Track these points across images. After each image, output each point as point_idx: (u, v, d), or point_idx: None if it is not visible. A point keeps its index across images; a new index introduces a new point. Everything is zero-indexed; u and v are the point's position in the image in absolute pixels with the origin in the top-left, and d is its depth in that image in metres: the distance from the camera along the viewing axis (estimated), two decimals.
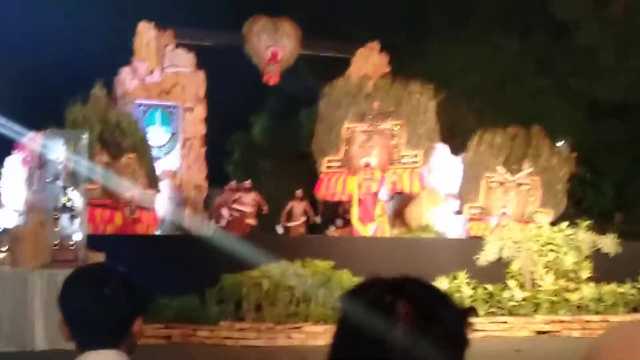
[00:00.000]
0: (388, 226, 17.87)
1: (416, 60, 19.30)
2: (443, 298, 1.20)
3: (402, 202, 18.44)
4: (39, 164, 15.09)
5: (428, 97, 18.46)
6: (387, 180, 17.81)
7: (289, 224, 20.73)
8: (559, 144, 20.08)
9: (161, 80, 21.71)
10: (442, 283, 13.72)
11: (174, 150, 21.57)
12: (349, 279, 12.63)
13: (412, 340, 1.11)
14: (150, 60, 21.78)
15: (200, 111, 22.30)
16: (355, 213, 17.87)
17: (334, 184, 18.35)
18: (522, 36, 26.24)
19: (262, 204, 20.83)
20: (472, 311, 1.22)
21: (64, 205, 12.22)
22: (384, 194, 17.87)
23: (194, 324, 12.36)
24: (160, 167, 20.03)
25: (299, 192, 21.07)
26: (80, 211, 12.48)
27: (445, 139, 19.63)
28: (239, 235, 17.02)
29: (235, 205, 20.45)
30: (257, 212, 20.83)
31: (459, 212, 18.15)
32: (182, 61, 22.25)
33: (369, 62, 22.44)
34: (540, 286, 14.26)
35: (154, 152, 19.67)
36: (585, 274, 14.51)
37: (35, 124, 16.23)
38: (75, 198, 12.36)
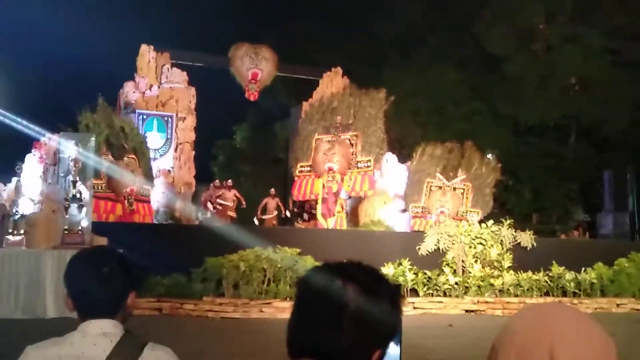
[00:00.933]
0: (346, 220, 17.90)
1: (372, 84, 19.31)
2: (379, 277, 1.26)
3: (357, 200, 18.45)
4: (54, 161, 14.91)
5: (378, 111, 18.47)
6: (345, 182, 17.84)
7: (264, 217, 20.72)
8: (488, 156, 20.23)
9: (159, 94, 21.71)
10: (389, 268, 13.78)
11: (168, 152, 21.54)
12: (312, 263, 12.60)
13: (358, 306, 1.18)
14: (150, 77, 21.80)
15: (191, 121, 22.27)
16: (319, 209, 17.87)
17: (304, 186, 18.36)
18: (459, 67, 26.50)
19: (241, 200, 20.79)
20: (399, 287, 1.29)
21: (74, 196, 12.05)
22: (343, 194, 17.90)
23: (181, 298, 12.26)
24: (156, 167, 20.03)
25: (272, 191, 21.16)
26: (87, 202, 12.31)
27: (394, 149, 19.79)
28: (221, 225, 16.89)
29: (218, 200, 20.40)
30: (237, 207, 20.78)
31: (405, 210, 18.23)
32: (177, 78, 22.29)
33: (333, 83, 22.58)
34: (469, 273, 14.35)
35: (151, 154, 19.59)
36: (507, 263, 14.63)
37: (52, 127, 16.16)
38: (83, 191, 12.20)
